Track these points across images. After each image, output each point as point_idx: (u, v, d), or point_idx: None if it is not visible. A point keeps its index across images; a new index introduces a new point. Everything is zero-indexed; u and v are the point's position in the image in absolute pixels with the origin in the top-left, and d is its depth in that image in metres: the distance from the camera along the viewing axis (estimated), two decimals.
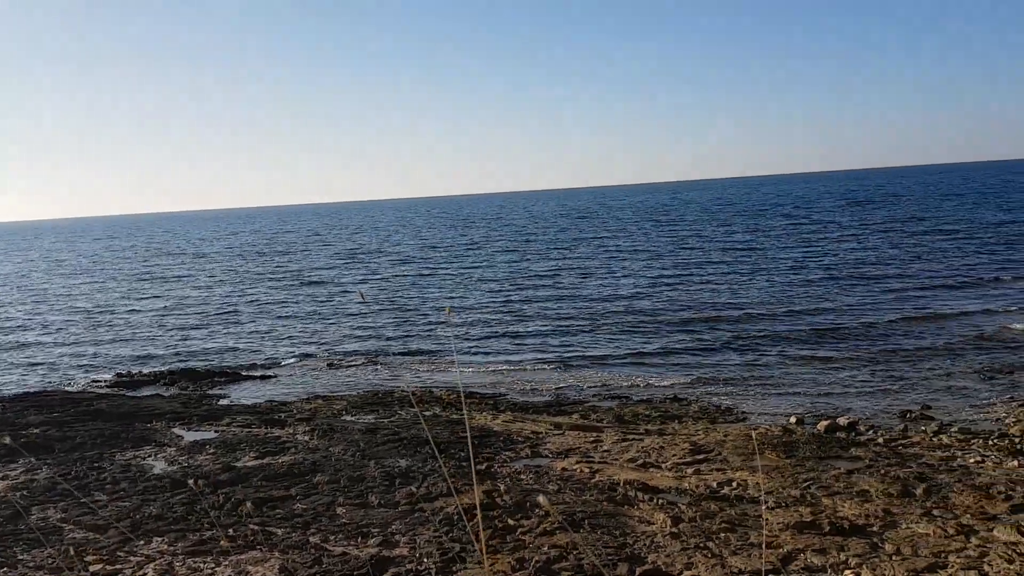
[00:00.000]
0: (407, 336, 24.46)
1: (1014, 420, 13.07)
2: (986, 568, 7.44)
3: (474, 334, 24.12)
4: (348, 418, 14.88)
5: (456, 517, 9.21)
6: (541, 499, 3.31)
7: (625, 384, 17.45)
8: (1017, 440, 12.02)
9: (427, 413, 14.97)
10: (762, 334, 21.61)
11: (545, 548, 8.26)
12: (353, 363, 20.85)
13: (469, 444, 6.54)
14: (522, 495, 9.92)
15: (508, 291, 33.24)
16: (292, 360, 21.66)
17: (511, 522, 9.07)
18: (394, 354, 21.84)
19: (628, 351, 20.68)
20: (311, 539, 8.76)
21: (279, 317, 29.48)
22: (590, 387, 17.31)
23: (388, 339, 24.04)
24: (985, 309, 23.40)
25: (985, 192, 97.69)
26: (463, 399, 16.37)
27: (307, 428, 13.84)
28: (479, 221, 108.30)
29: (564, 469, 11.24)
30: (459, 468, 11.24)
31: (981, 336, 19.82)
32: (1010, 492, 9.61)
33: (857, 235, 50.07)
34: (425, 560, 8.06)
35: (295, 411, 15.44)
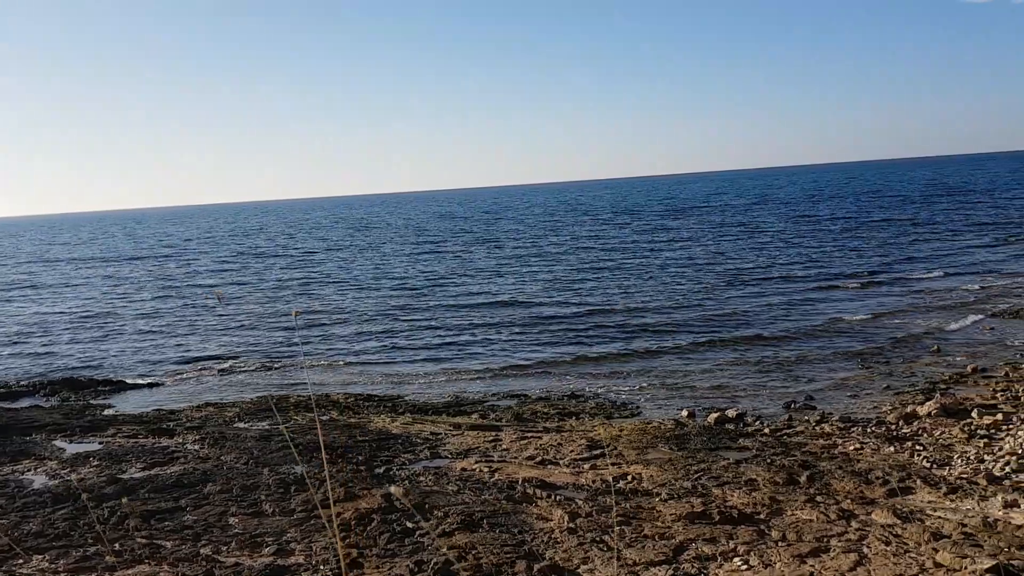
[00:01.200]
0: (303, 340, 23.99)
1: (890, 408, 13.75)
2: (865, 550, 7.82)
3: (372, 336, 23.87)
4: (241, 425, 14.49)
5: (353, 522, 9.10)
6: (394, 489, 3.30)
7: (524, 383, 17.57)
8: (893, 427, 12.65)
9: (324, 417, 14.73)
10: (655, 332, 22.12)
11: (444, 549, 8.25)
12: (246, 368, 20.32)
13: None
14: (421, 497, 9.87)
15: (407, 294, 33.02)
16: (181, 367, 20.94)
17: (410, 525, 9.02)
18: (289, 358, 21.38)
19: (526, 351, 20.83)
20: (202, 551, 8.50)
21: (166, 323, 28.46)
22: (489, 387, 17.36)
23: (282, 343, 23.52)
24: (864, 306, 24.54)
25: (871, 191, 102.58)
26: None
27: (197, 437, 13.41)
28: (376, 221, 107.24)
29: (464, 469, 11.26)
30: (357, 472, 11.10)
31: (860, 331, 20.79)
32: (887, 477, 10.13)
33: (747, 235, 51.82)
34: (322, 567, 7.95)
35: (184, 419, 14.94)
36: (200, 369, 20.56)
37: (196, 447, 12.81)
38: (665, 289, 29.48)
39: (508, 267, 39.85)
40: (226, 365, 20.76)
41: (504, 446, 12.44)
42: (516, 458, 11.80)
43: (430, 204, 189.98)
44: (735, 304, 25.42)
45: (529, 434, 13.13)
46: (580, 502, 9.64)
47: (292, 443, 12.60)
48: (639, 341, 21.00)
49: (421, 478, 10.83)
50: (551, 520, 9.09)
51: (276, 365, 20.56)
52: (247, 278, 42.35)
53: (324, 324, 26.36)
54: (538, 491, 10.08)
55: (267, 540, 8.72)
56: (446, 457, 11.93)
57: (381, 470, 11.28)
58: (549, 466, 11.42)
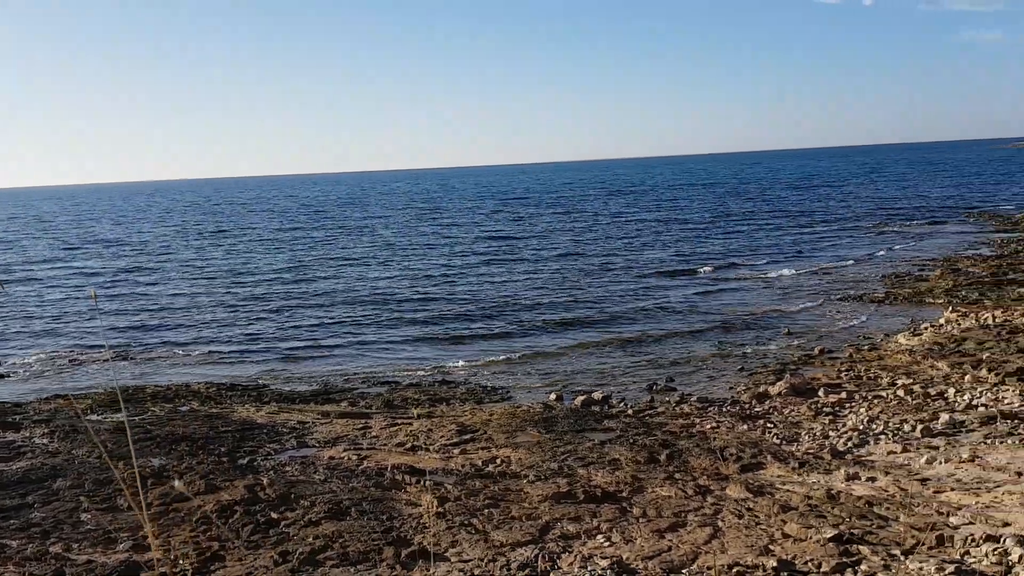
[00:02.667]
0: (161, 328, 23.02)
1: (744, 388, 14.44)
2: (719, 524, 8.20)
3: (240, 323, 23.16)
4: (94, 417, 13.81)
5: (215, 515, 8.84)
6: (177, 483, 3.23)
7: (394, 370, 17.47)
8: (747, 406, 13.30)
9: (184, 408, 14.20)
10: (524, 319, 22.42)
11: (310, 539, 8.13)
12: (99, 358, 19.33)
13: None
14: (287, 487, 9.69)
15: (271, 281, 32.19)
16: (28, 358, 19.72)
17: (274, 515, 8.84)
18: (146, 347, 20.48)
19: (396, 337, 20.73)
20: (51, 549, 8.07)
21: (9, 311, 26.71)
22: (359, 374, 17.17)
23: (139, 331, 22.50)
24: (721, 293, 25.63)
25: (733, 182, 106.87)
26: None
27: (46, 430, 12.67)
28: (256, 205, 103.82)
29: (332, 458, 11.10)
30: (219, 464, 10.78)
31: (717, 316, 21.70)
32: (740, 454, 10.64)
33: (612, 224, 53.06)
34: (181, 561, 7.68)
35: (32, 412, 14.08)
36: (50, 360, 19.41)
37: (45, 441, 12.11)
38: (532, 277, 29.91)
39: (378, 256, 39.41)
40: (79, 356, 19.69)
41: (374, 433, 12.35)
42: (386, 445, 11.74)
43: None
44: (600, 291, 26.06)
45: (399, 421, 13.08)
46: (449, 486, 9.68)
47: (150, 435, 12.08)
48: (508, 328, 21.24)
49: (287, 468, 10.61)
50: (420, 505, 9.09)
51: (133, 355, 19.65)
52: (95, 264, 40.24)
53: (187, 313, 25.38)
54: (407, 477, 10.06)
55: (122, 536, 8.36)
56: (313, 446, 11.74)
57: (245, 461, 10.99)
58: (419, 452, 11.41)
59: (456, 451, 11.32)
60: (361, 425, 12.79)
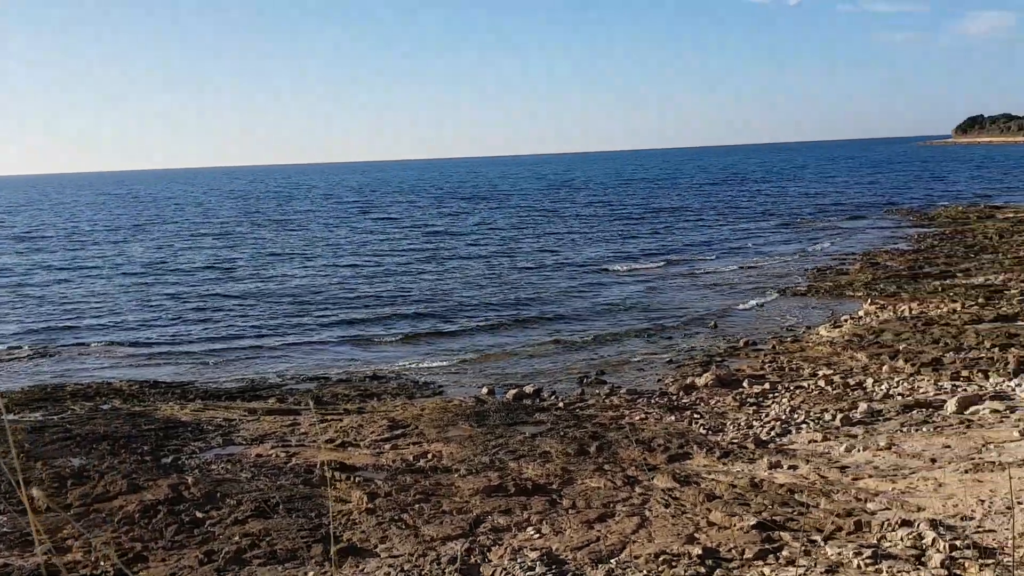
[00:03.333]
0: (81, 325, 22.33)
1: (672, 380, 14.68)
2: (647, 513, 8.33)
3: (164, 320, 22.61)
4: (10, 417, 13.31)
5: (138, 515, 8.63)
6: (35, 491, 3.16)
7: (324, 366, 17.27)
8: (674, 398, 13.53)
9: (105, 406, 13.81)
10: (455, 313, 22.42)
11: (236, 538, 8.00)
12: (15, 356, 18.66)
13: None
14: (212, 486, 9.51)
15: (196, 277, 31.51)
16: None
17: (200, 515, 8.67)
18: (66, 344, 19.84)
19: (326, 333, 20.51)
20: None
21: None
22: (288, 370, 16.94)
23: (58, 328, 21.79)
24: (650, 287, 26.01)
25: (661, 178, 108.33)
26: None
27: None
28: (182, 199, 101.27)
29: (259, 455, 10.94)
30: (141, 463, 10.52)
31: (647, 310, 22.01)
32: (668, 444, 10.83)
33: (543, 220, 53.34)
34: (102, 563, 7.48)
35: None
36: None
37: None
38: (465, 273, 29.89)
39: (308, 252, 38.88)
40: None
41: (302, 430, 12.19)
42: (315, 442, 11.60)
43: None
44: (531, 286, 26.20)
45: (329, 417, 12.95)
46: (380, 482, 9.63)
47: (69, 434, 11.72)
48: (441, 323, 21.19)
49: (213, 466, 10.42)
50: (350, 502, 9.03)
51: (52, 352, 19.02)
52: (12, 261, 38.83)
53: (109, 310, 24.66)
54: (337, 474, 9.97)
55: (41, 538, 8.09)
56: (240, 444, 11.54)
57: (169, 460, 10.75)
58: (349, 448, 11.32)
59: (387, 446, 11.26)
60: (290, 422, 12.62)
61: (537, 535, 7.89)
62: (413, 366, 16.89)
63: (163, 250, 40.66)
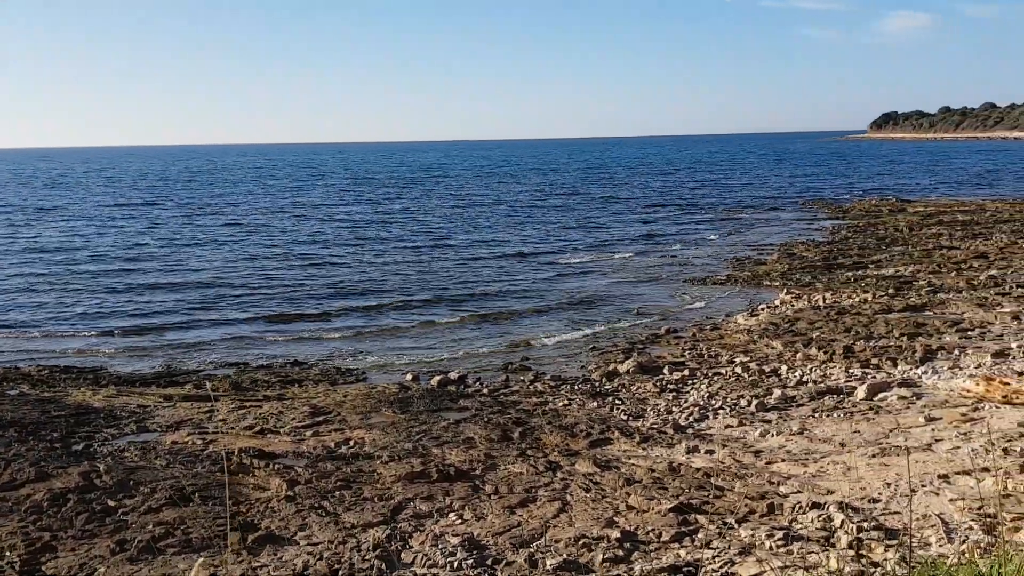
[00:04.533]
0: None
1: (595, 367, 14.84)
2: (568, 498, 8.43)
3: (76, 303, 21.85)
4: None
5: (46, 504, 8.35)
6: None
7: (244, 350, 16.94)
8: (597, 384, 13.69)
9: (12, 392, 13.29)
10: (379, 299, 22.25)
11: (150, 526, 7.81)
12: None
13: None
14: (125, 474, 9.25)
15: (108, 260, 30.53)
16: None
17: (112, 503, 8.43)
18: None
19: (246, 318, 20.11)
20: None
21: None
22: (206, 355, 16.56)
23: None
24: (574, 275, 26.24)
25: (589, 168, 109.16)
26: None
27: None
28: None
29: (175, 443, 10.68)
30: (51, 450, 10.16)
31: (571, 297, 22.20)
32: (589, 430, 10.96)
33: (462, 206, 53.29)
34: (8, 553, 7.22)
35: None
36: None
37: None
38: (392, 259, 29.66)
39: (227, 235, 38.04)
40: None
41: (220, 417, 11.95)
42: (233, 428, 11.39)
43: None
44: (457, 273, 26.14)
45: (248, 403, 12.72)
46: (300, 469, 9.51)
47: None
48: (365, 309, 21.01)
49: (126, 454, 10.13)
50: (269, 489, 8.90)
51: None
52: None
53: (16, 292, 23.70)
54: (256, 461, 9.80)
55: None
56: (155, 431, 11.25)
57: (80, 447, 10.41)
58: (269, 435, 11.15)
59: (308, 433, 11.12)
60: (207, 408, 12.35)
61: (459, 521, 7.91)
62: (336, 352, 16.70)
63: (74, 232, 39.24)
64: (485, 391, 13.50)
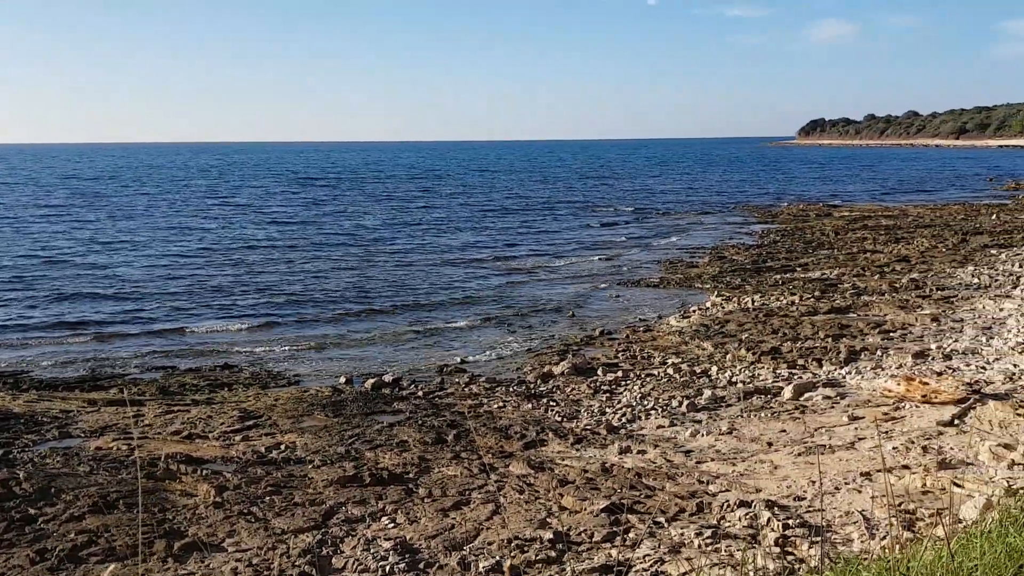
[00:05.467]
0: None
1: (530, 369, 14.90)
2: (501, 500, 8.45)
3: None
4: None
5: None
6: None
7: (171, 354, 16.55)
8: (532, 385, 13.74)
9: None
10: (312, 302, 21.97)
11: (72, 535, 7.58)
12: None
13: None
14: (46, 481, 8.97)
15: (24, 262, 29.55)
16: None
17: (32, 511, 8.17)
18: None
19: (174, 320, 19.67)
20: None
21: None
22: (132, 359, 16.12)
23: None
24: (508, 278, 26.31)
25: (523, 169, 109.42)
26: None
27: None
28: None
29: (99, 448, 10.40)
30: None
31: (507, 300, 22.26)
32: (524, 432, 11.01)
33: (408, 211, 53.03)
34: None
35: None
36: None
37: None
38: (326, 261, 29.33)
39: (154, 238, 37.17)
40: None
41: (147, 421, 11.68)
42: (160, 434, 11.14)
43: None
44: (392, 277, 25.98)
45: (176, 407, 12.45)
46: (229, 475, 9.35)
47: None
48: (296, 311, 20.72)
49: (47, 460, 9.82)
50: (196, 495, 8.73)
51: None
52: None
53: None
54: (183, 466, 9.61)
55: None
56: (78, 436, 10.93)
57: None
58: (197, 440, 10.93)
59: (238, 438, 10.93)
60: (133, 413, 12.05)
61: (392, 525, 7.86)
62: (268, 355, 16.43)
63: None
64: (420, 394, 13.44)
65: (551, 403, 12.65)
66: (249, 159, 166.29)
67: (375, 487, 8.85)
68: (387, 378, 14.23)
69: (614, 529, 7.54)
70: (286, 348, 16.99)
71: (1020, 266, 23.09)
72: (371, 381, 14.06)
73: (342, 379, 14.45)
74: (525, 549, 7.19)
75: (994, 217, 37.44)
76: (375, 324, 19.27)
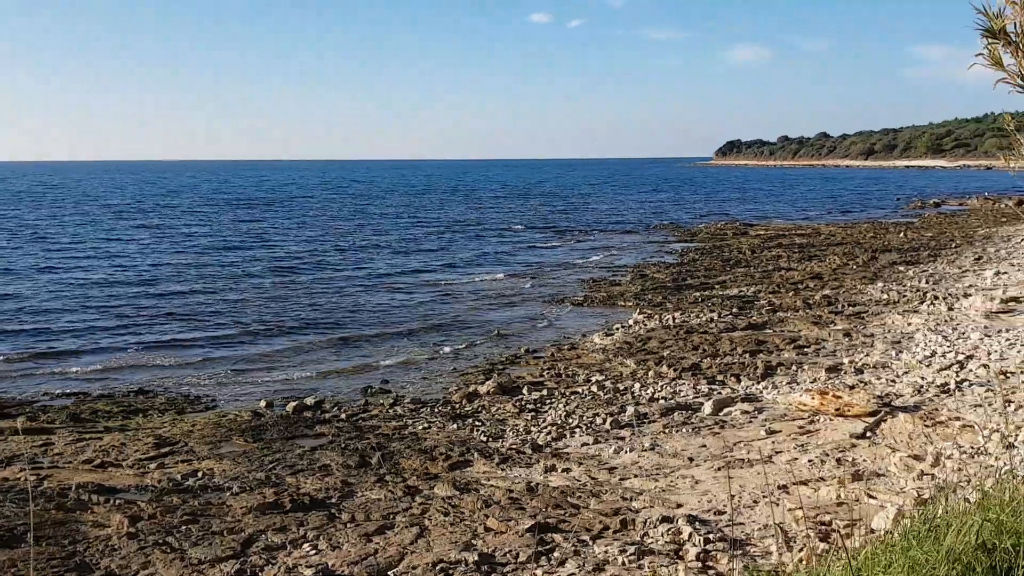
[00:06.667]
0: None
1: (455, 388, 14.85)
2: (426, 523, 8.38)
3: None
4: None
5: None
6: None
7: (83, 379, 15.98)
8: (457, 406, 13.69)
9: None
10: (234, 323, 21.50)
11: None
12: None
13: None
14: None
15: None
16: None
17: None
18: None
19: (85, 345, 18.99)
20: None
21: None
22: (40, 385, 15.50)
23: None
24: (433, 297, 26.23)
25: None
26: None
27: None
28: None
29: (5, 479, 9.95)
30: None
31: (432, 319, 22.17)
32: (449, 452, 10.95)
33: (323, 229, 52.52)
34: None
35: None
36: None
37: None
38: (244, 282, 28.76)
39: (63, 259, 35.94)
40: None
41: (57, 450, 11.22)
42: (71, 463, 10.72)
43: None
44: (313, 296, 25.63)
45: (88, 435, 12.00)
46: (143, 504, 9.05)
47: None
48: (213, 333, 20.23)
49: None
50: (109, 526, 8.42)
51: None
52: None
53: None
54: (95, 496, 9.27)
55: None
56: None
57: None
58: (110, 468, 10.55)
59: (153, 465, 10.60)
60: (42, 442, 11.58)
61: (313, 551, 7.72)
62: (185, 379, 15.99)
63: None
64: (343, 416, 13.25)
65: (476, 423, 12.62)
66: (169, 179, 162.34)
67: (296, 513, 8.68)
68: (309, 401, 13.98)
69: (539, 549, 7.55)
70: (204, 372, 16.56)
71: (926, 282, 24.07)
72: (292, 404, 13.80)
73: (262, 403, 14.14)
74: (450, 572, 7.15)
75: (901, 235, 38.99)
76: (297, 347, 18.94)
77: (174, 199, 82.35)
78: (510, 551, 7.53)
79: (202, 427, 12.36)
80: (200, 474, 10.20)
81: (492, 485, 9.58)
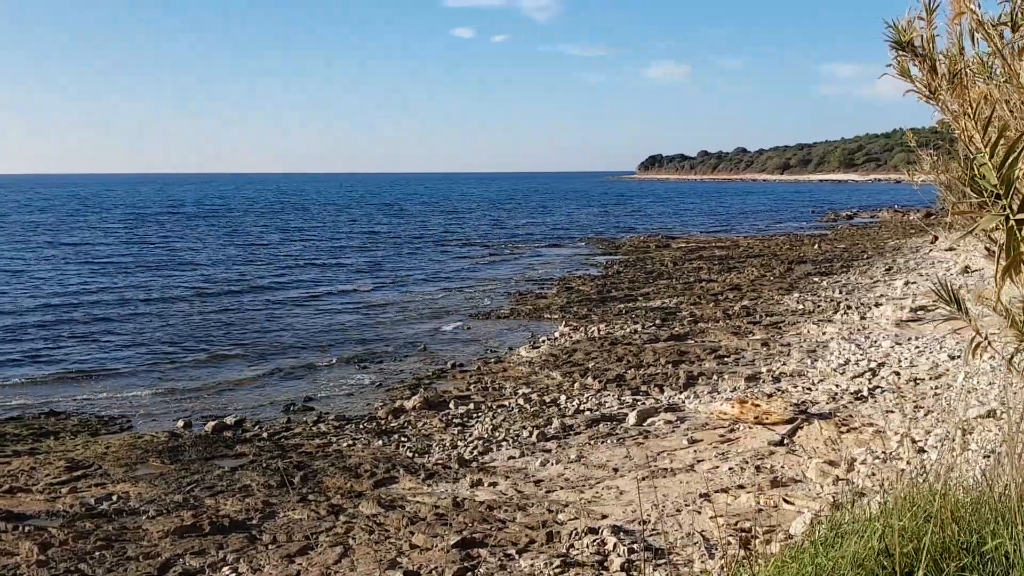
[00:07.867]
0: None
1: (381, 404, 14.71)
2: (351, 542, 8.27)
3: None
4: None
5: None
6: None
7: None
8: (383, 422, 13.56)
9: None
10: (144, 343, 20.91)
11: None
12: None
13: None
14: None
15: None
16: None
17: None
18: None
19: None
20: None
21: None
22: None
23: None
24: (357, 312, 25.99)
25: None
26: None
27: None
28: None
29: None
30: None
31: (356, 335, 21.94)
32: (374, 469, 10.83)
33: (237, 245, 51.61)
34: None
35: None
36: None
37: None
38: (154, 301, 28.01)
39: None
40: None
41: None
42: None
43: None
44: (231, 313, 25.11)
45: None
46: (54, 530, 8.71)
47: None
48: (127, 353, 19.62)
49: None
50: (18, 554, 8.08)
51: None
52: None
53: None
54: (3, 524, 8.89)
55: None
56: None
57: None
58: (19, 494, 10.13)
59: (65, 490, 10.21)
60: None
61: (233, 575, 7.53)
62: (98, 400, 15.46)
63: None
64: (264, 435, 12.98)
65: (402, 439, 12.52)
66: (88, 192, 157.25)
67: (215, 536, 8.47)
68: (229, 420, 13.67)
69: (465, 564, 7.52)
70: (119, 393, 16.04)
71: (840, 292, 24.87)
72: (212, 424, 13.48)
73: (180, 423, 13.77)
74: None
75: (816, 247, 40.23)
76: (216, 365, 18.50)
77: (86, 215, 79.83)
78: (436, 568, 7.48)
79: (117, 449, 11.96)
80: (115, 497, 9.87)
81: (418, 501, 9.51)
